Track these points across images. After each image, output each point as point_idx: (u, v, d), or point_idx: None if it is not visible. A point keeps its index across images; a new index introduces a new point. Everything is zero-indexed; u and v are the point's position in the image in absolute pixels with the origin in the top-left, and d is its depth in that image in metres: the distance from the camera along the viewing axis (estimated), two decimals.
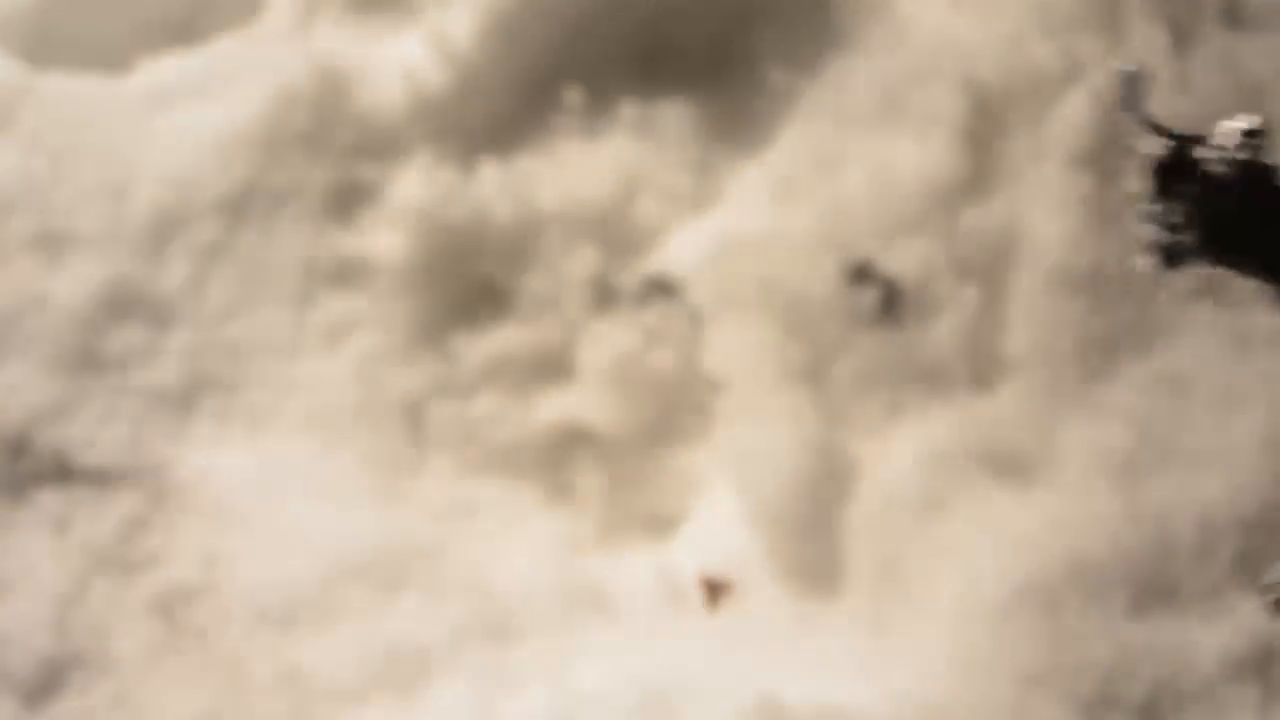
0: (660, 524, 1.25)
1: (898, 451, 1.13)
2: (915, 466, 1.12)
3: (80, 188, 1.19)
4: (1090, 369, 1.17)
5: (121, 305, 1.17)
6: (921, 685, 1.02)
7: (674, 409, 1.25)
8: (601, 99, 1.35)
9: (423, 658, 1.06)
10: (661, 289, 1.27)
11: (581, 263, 1.28)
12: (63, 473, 1.12)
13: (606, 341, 1.23)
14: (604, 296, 1.28)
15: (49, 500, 1.11)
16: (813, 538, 1.10)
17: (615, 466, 1.25)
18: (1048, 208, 1.18)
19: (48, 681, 1.05)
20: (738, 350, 1.17)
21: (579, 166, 1.32)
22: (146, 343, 1.17)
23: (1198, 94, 1.24)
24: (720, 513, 1.17)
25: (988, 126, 1.22)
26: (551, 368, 1.26)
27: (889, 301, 1.19)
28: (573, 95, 1.34)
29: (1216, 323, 1.17)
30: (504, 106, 1.33)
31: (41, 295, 1.15)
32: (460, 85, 1.28)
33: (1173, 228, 0.80)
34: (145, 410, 1.15)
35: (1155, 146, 0.81)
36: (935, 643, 1.05)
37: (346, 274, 1.23)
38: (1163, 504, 1.11)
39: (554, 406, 1.26)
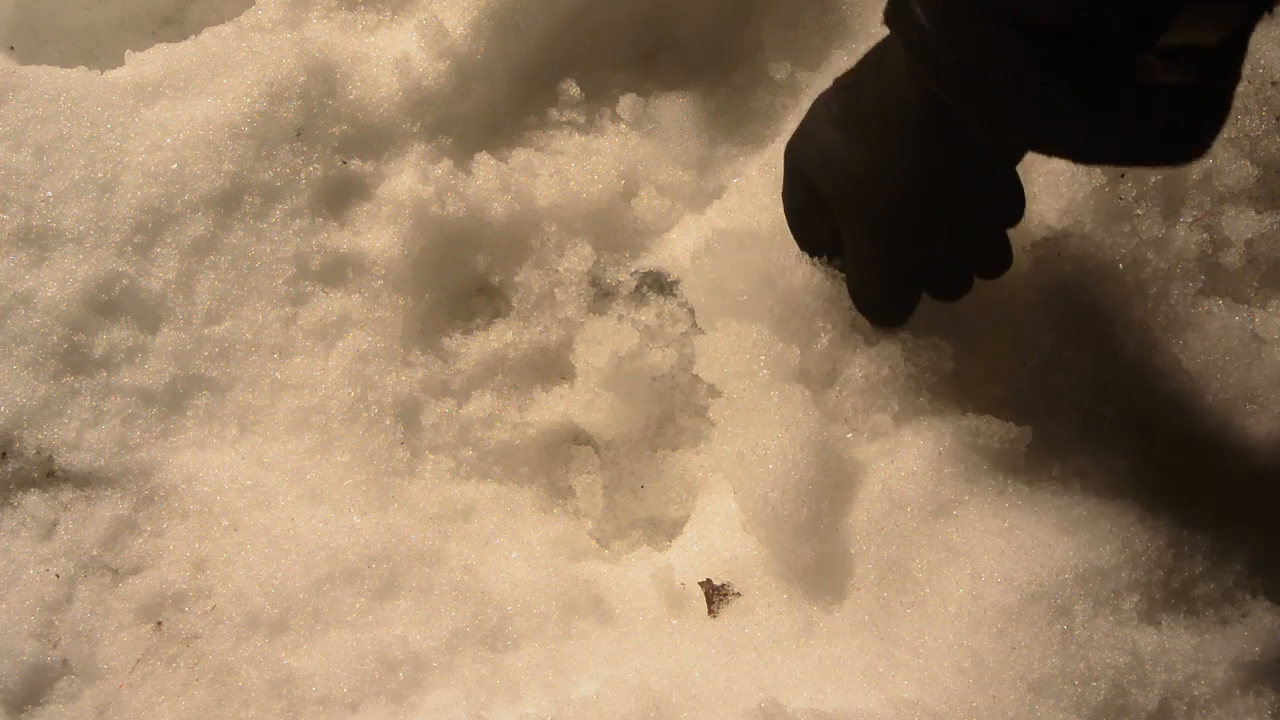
0: (660, 527, 1.23)
1: (903, 453, 1.11)
2: (921, 469, 1.11)
3: (66, 182, 1.16)
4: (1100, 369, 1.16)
5: (108, 303, 1.15)
6: (927, 692, 1.01)
7: (672, 411, 1.24)
8: (600, 93, 1.34)
9: (417, 664, 1.04)
10: (659, 288, 1.25)
11: (578, 261, 1.26)
12: (48, 475, 1.10)
13: (602, 343, 1.22)
14: (601, 296, 1.26)
15: (34, 503, 1.09)
16: (816, 542, 1.09)
17: (613, 470, 1.24)
18: (1056, 205, 1.17)
19: (33, 689, 1.03)
20: (735, 351, 1.16)
21: (577, 162, 1.30)
22: (134, 342, 1.15)
23: None
24: (721, 516, 1.15)
25: None
26: (547, 369, 1.25)
27: None
28: (571, 89, 1.32)
29: (1229, 321, 1.16)
30: (501, 100, 1.31)
31: (26, 293, 1.13)
32: (456, 78, 1.26)
33: None
34: (133, 411, 1.13)
35: None
36: (941, 649, 1.03)
37: (339, 271, 1.21)
38: (1174, 506, 1.10)
39: (550, 408, 1.24)
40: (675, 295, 1.26)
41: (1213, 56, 0.77)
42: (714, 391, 1.18)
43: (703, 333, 1.20)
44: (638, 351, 1.22)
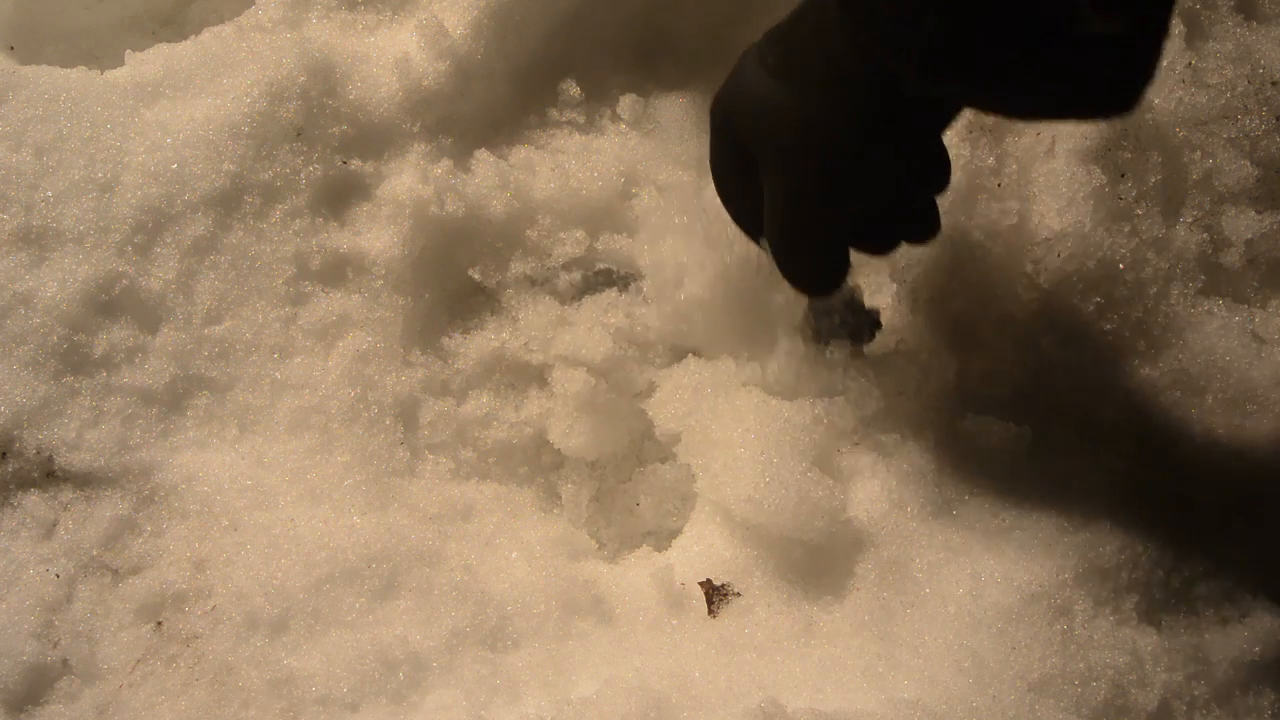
0: (658, 529, 1.23)
1: (903, 454, 1.12)
2: (921, 469, 1.11)
3: (66, 182, 1.16)
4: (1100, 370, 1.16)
5: (108, 303, 1.15)
6: (927, 692, 1.01)
7: (654, 425, 1.23)
8: (600, 93, 1.34)
9: (417, 664, 1.04)
10: (612, 282, 1.25)
11: (571, 263, 1.26)
12: (48, 475, 1.10)
13: (576, 365, 1.21)
14: (588, 297, 1.25)
15: (34, 503, 1.09)
16: (815, 542, 1.09)
17: (605, 487, 1.24)
18: (1056, 205, 1.17)
19: (33, 689, 1.03)
20: (722, 356, 1.16)
21: (578, 160, 1.30)
22: (134, 342, 1.15)
23: (1212, 86, 1.23)
24: (720, 516, 1.15)
25: (996, 120, 1.21)
26: (541, 369, 1.25)
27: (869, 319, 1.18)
28: (571, 89, 1.32)
29: (1229, 321, 1.16)
30: (500, 100, 1.31)
31: (26, 293, 1.13)
32: (456, 78, 1.26)
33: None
34: (133, 411, 1.13)
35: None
36: (941, 649, 1.03)
37: (339, 271, 1.21)
38: (1174, 506, 1.10)
39: (544, 407, 1.24)
40: (639, 290, 1.25)
41: (1144, 5, 0.78)
42: (700, 395, 1.18)
43: (688, 338, 1.20)
44: (614, 364, 1.21)
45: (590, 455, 1.22)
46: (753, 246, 1.10)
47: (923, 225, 1.06)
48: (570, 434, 1.20)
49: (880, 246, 1.08)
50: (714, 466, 1.12)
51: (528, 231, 1.27)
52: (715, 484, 1.12)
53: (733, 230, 1.10)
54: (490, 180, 1.25)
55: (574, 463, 1.23)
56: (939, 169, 1.04)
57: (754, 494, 1.07)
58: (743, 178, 1.03)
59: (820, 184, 0.98)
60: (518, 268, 1.26)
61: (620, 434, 1.22)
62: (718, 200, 1.09)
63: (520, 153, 1.30)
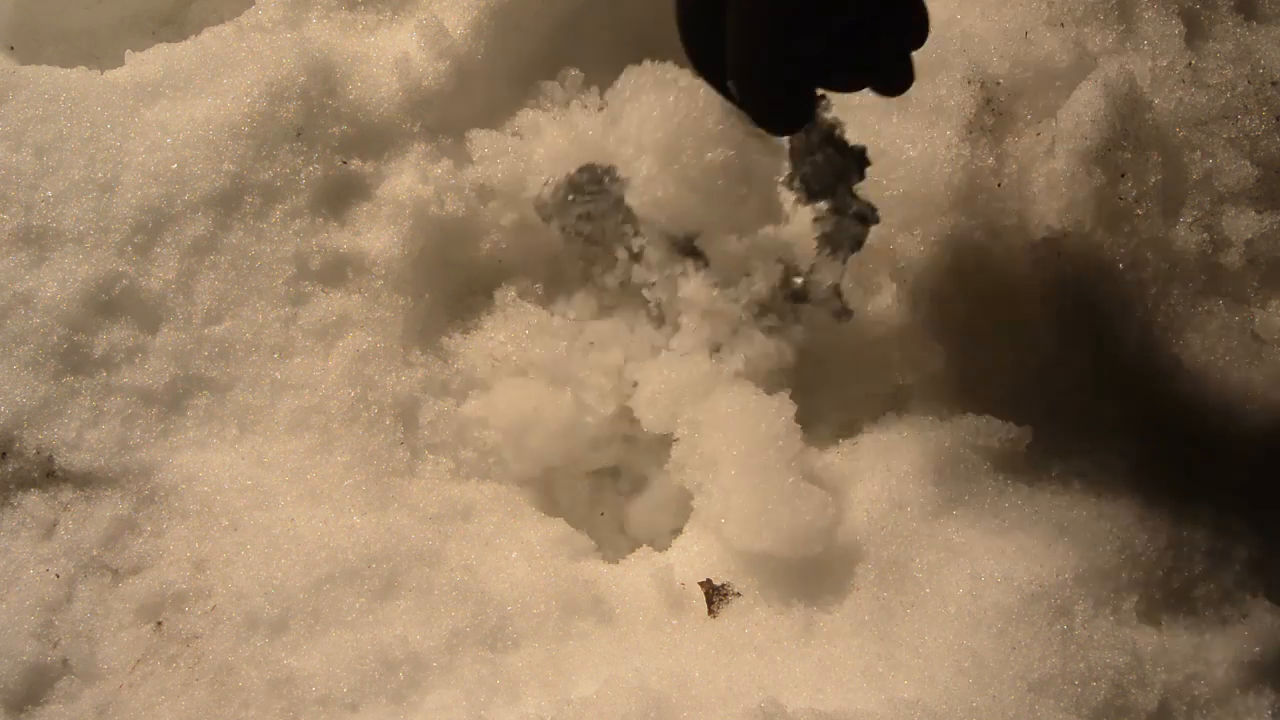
0: (657, 531, 1.23)
1: (904, 453, 1.12)
2: (922, 468, 1.11)
3: (66, 182, 1.16)
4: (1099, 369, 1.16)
5: (108, 303, 1.15)
6: (927, 692, 1.01)
7: (631, 458, 1.23)
8: (600, 92, 1.34)
9: (417, 664, 1.04)
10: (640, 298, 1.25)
11: (568, 264, 1.26)
12: (48, 475, 1.10)
13: (535, 427, 1.21)
14: (578, 321, 1.25)
15: (34, 503, 1.09)
16: (815, 543, 1.08)
17: (600, 493, 1.24)
18: (1056, 205, 1.17)
19: (33, 689, 1.03)
20: (699, 353, 1.17)
21: None
22: (134, 342, 1.15)
23: (1212, 86, 1.23)
24: (719, 519, 1.15)
25: (996, 120, 1.21)
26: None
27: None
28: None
29: (1229, 321, 1.16)
30: (501, 100, 1.31)
31: (26, 293, 1.13)
32: (455, 78, 1.26)
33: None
34: (133, 411, 1.13)
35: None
36: (941, 649, 1.03)
37: (339, 271, 1.21)
38: (1174, 506, 1.10)
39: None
40: (659, 308, 1.25)
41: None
42: (693, 400, 1.18)
43: (678, 341, 1.20)
44: (600, 379, 1.21)
45: (585, 469, 1.22)
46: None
47: (894, 74, 1.02)
48: (563, 450, 1.21)
49: (847, 84, 1.05)
50: (706, 486, 1.12)
51: (525, 225, 1.27)
52: (708, 504, 1.12)
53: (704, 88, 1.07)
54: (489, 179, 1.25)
55: (571, 475, 1.23)
56: (909, 14, 1.00)
57: (748, 523, 1.07)
58: (707, 19, 1.01)
59: (778, 6, 0.95)
60: (513, 267, 1.26)
61: (615, 448, 1.23)
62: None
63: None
